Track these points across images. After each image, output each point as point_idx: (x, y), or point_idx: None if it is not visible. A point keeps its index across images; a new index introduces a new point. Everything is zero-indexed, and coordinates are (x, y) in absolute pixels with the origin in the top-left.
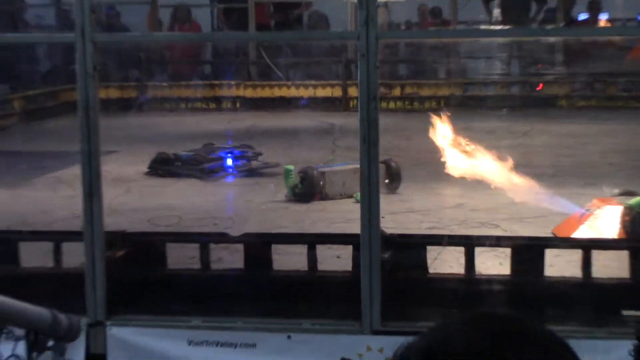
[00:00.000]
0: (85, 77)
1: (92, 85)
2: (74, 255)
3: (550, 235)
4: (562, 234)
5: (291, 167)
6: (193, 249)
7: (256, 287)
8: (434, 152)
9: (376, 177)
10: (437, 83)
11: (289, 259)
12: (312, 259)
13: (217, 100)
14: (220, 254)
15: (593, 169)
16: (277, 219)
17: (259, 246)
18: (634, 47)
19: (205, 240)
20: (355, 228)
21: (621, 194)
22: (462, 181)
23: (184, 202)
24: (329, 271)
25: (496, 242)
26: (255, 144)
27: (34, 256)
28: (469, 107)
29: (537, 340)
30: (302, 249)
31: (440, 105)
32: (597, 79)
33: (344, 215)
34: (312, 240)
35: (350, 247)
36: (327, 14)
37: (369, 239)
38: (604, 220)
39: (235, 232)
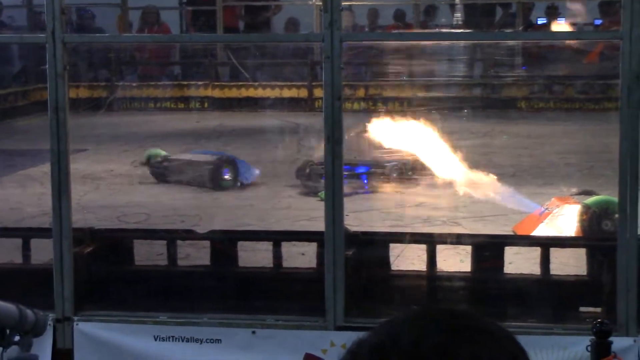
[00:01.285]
0: (55, 77)
1: (62, 85)
2: (43, 252)
3: (511, 233)
4: (521, 231)
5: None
6: (160, 246)
7: (222, 284)
8: (396, 152)
9: (340, 175)
10: (400, 84)
11: (254, 255)
12: (277, 255)
13: (186, 100)
14: (187, 251)
15: (552, 168)
16: (243, 216)
17: (224, 243)
18: (591, 51)
19: (171, 236)
20: (319, 226)
21: (579, 193)
22: (423, 180)
23: (152, 200)
24: (293, 268)
25: (457, 239)
26: (222, 144)
27: (2, 252)
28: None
29: (486, 334)
30: (268, 246)
31: (403, 106)
32: (555, 82)
33: (308, 214)
34: (277, 238)
35: (314, 245)
36: (296, 17)
37: (333, 236)
38: (563, 219)
39: (202, 229)
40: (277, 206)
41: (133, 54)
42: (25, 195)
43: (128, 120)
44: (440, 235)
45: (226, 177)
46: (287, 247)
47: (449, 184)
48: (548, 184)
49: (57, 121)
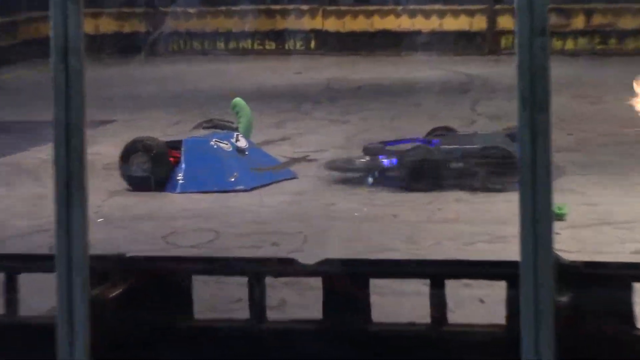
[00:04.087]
0: None
1: (75, 12)
2: (40, 294)
3: None
4: None
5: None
6: (238, 286)
7: (343, 350)
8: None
9: (547, 165)
10: None
11: (398, 302)
12: (438, 302)
13: (279, 36)
14: (283, 294)
15: None
16: (379, 234)
17: (347, 281)
18: None
19: (256, 270)
20: (509, 250)
21: None
22: None
23: (223, 206)
24: (466, 325)
25: None
26: (340, 109)
27: None
28: None
29: None
30: (421, 287)
31: None
32: None
33: (487, 229)
34: (436, 272)
35: (501, 284)
36: None
37: (534, 270)
38: None
39: (308, 256)
40: (433, 217)
41: None
42: (10, 199)
43: (182, 71)
44: None
45: None
46: (453, 288)
47: None
48: None
49: (66, 73)
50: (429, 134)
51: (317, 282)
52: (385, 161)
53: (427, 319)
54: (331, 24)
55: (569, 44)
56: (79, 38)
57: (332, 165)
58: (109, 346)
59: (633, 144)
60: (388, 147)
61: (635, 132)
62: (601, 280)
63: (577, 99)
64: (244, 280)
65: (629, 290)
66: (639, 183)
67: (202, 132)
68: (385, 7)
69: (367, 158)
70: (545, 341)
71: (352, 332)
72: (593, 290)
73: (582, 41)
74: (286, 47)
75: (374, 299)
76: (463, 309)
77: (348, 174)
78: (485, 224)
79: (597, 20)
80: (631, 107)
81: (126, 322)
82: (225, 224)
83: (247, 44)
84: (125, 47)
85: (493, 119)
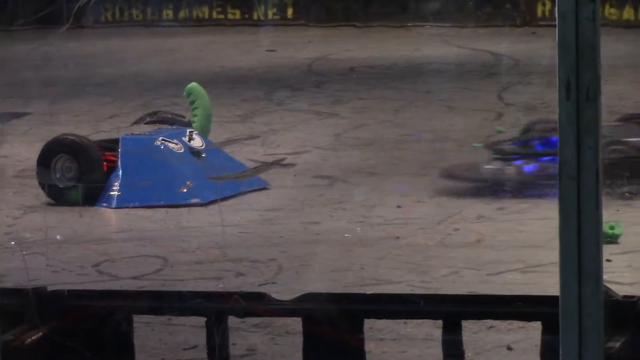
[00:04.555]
0: None
1: None
2: None
3: None
4: None
5: None
6: (193, 329)
7: None
8: None
9: (595, 171)
10: None
11: (402, 350)
12: (454, 350)
13: (246, 1)
14: (251, 340)
15: None
16: (376, 261)
17: (334, 323)
18: None
19: (217, 308)
20: (545, 282)
21: None
22: None
23: (172, 226)
24: None
25: None
26: (326, 98)
27: None
28: None
29: None
30: (433, 330)
31: None
32: None
33: (516, 255)
34: (451, 310)
35: (535, 326)
36: None
37: (578, 307)
38: None
39: (284, 291)
40: (448, 240)
41: None
42: None
43: (117, 48)
44: None
45: None
46: (473, 332)
47: None
48: None
49: None
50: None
51: (295, 324)
52: (528, 166)
53: None
54: None
55: (627, 13)
56: None
57: (448, 173)
58: None
59: None
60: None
61: None
62: None
63: (637, 85)
64: (201, 321)
65: None
66: None
67: (144, 129)
68: None
69: (497, 162)
70: None
71: None
72: None
73: None
74: (255, 15)
75: (369, 346)
76: (485, 359)
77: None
78: (516, 249)
79: None
80: None
81: None
82: (176, 248)
83: (203, 11)
84: (43, 16)
85: (526, 110)
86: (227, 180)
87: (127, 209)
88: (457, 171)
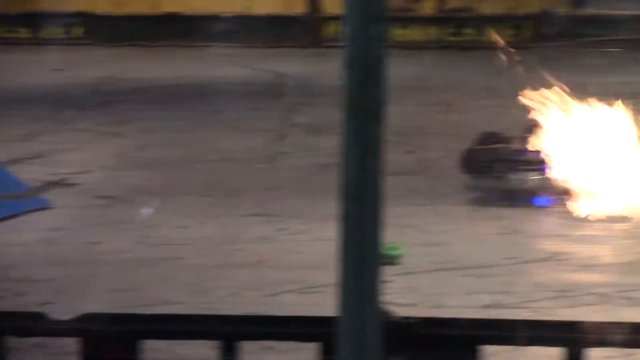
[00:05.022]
0: None
1: None
2: None
3: None
4: None
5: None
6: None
7: None
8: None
9: (376, 192)
10: None
11: None
12: None
13: (34, 21)
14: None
15: None
16: (157, 282)
17: (113, 343)
18: None
19: None
20: (324, 303)
21: None
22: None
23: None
24: None
25: (636, 336)
26: (112, 117)
27: None
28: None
29: None
30: (208, 349)
31: (519, 36)
32: None
33: (296, 276)
34: (229, 331)
35: (313, 347)
36: None
37: (356, 328)
38: None
39: (63, 310)
40: (230, 260)
41: None
42: None
43: None
44: (599, 327)
45: None
46: (251, 353)
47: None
48: None
49: None
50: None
51: (74, 344)
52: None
53: None
54: (102, 5)
55: (415, 34)
56: None
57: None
58: None
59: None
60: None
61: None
62: (443, 342)
63: (422, 107)
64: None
65: (474, 355)
66: (492, 218)
67: None
68: None
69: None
70: None
71: None
72: (433, 355)
73: (432, 30)
74: (44, 35)
75: None
76: None
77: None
78: (295, 270)
79: (452, 4)
80: (494, 116)
81: None
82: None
83: None
84: None
85: (311, 131)
86: (7, 201)
87: None
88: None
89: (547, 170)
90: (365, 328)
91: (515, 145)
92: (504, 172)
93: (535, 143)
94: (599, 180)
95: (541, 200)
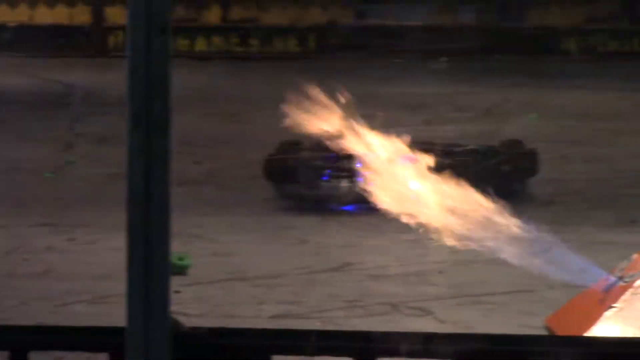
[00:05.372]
0: None
1: None
2: None
3: (542, 332)
4: (565, 328)
5: None
6: None
7: None
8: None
9: (164, 202)
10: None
11: None
12: None
13: None
14: None
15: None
16: None
17: None
18: None
19: None
20: (114, 313)
21: None
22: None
23: None
24: None
25: (425, 346)
26: None
27: None
28: (370, 51)
29: None
30: None
31: (307, 46)
32: None
33: (84, 286)
34: (16, 340)
35: (103, 357)
36: None
37: (144, 339)
38: None
39: None
40: (17, 270)
41: None
42: None
43: None
44: (388, 337)
45: None
46: None
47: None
48: (626, 222)
49: None
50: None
51: None
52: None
53: None
54: None
55: (200, 45)
56: None
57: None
58: None
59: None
60: None
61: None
62: (232, 351)
63: (209, 117)
64: None
65: None
66: (281, 228)
67: None
68: None
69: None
70: None
71: None
72: None
73: (217, 41)
74: None
75: None
76: None
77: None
78: (84, 280)
79: (237, 14)
80: (281, 127)
81: None
82: None
83: None
84: None
85: (97, 142)
86: None
87: None
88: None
89: (353, 179)
90: (154, 338)
91: (319, 153)
92: (309, 181)
93: (338, 151)
94: (391, 191)
95: (345, 208)
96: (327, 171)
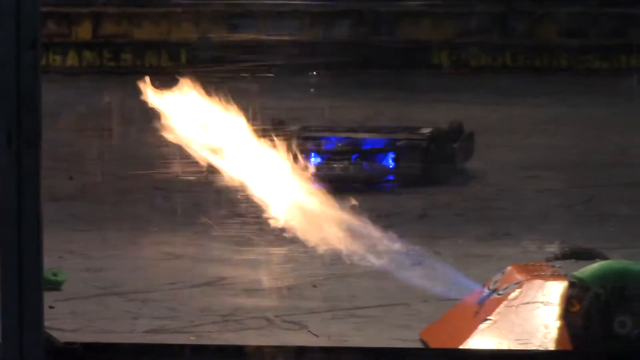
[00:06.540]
0: None
1: None
2: None
3: (418, 345)
4: (440, 341)
5: None
6: None
7: None
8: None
9: (36, 217)
10: (171, 12)
11: None
12: None
13: None
14: None
15: (510, 198)
16: None
17: None
18: None
19: None
20: None
21: (564, 255)
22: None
23: None
24: None
25: (299, 359)
26: None
27: None
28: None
29: None
30: None
31: (175, 61)
32: None
33: None
34: None
35: None
36: None
37: (20, 355)
38: (527, 313)
39: None
40: None
41: None
42: None
43: None
44: (262, 351)
45: None
46: None
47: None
48: (500, 234)
49: None
50: None
51: None
52: None
53: None
54: None
55: (72, 60)
56: None
57: None
58: None
59: (149, 190)
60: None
61: (157, 175)
62: None
63: (80, 133)
64: None
65: None
66: (154, 243)
67: None
68: None
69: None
70: None
71: None
72: None
73: (89, 56)
74: None
75: None
76: None
77: None
78: None
79: (109, 29)
80: (154, 143)
81: None
82: None
83: None
84: None
85: None
86: None
87: None
88: None
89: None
90: (29, 354)
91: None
92: None
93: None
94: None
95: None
96: None
